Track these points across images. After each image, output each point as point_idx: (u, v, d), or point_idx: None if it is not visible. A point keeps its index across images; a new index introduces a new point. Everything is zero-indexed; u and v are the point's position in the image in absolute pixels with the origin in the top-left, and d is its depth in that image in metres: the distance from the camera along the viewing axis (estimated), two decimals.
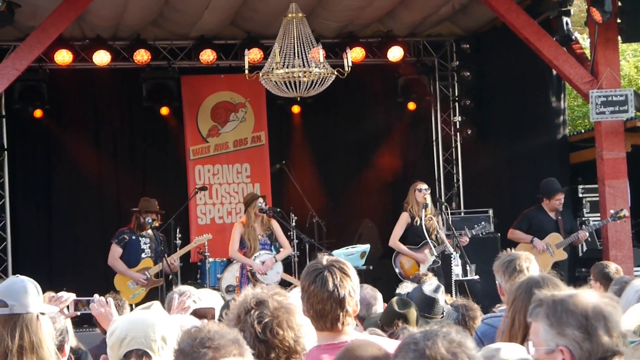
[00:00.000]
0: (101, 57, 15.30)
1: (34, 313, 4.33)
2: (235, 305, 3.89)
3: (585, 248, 14.53)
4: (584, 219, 14.63)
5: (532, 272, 5.61)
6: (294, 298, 4.00)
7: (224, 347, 3.21)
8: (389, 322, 5.92)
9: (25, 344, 4.23)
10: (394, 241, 12.97)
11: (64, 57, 15.14)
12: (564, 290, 3.47)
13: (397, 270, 12.88)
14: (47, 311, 4.46)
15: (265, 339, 3.69)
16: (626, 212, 12.27)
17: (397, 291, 6.98)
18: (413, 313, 5.98)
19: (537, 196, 13.17)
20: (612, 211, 12.31)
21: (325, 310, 4.23)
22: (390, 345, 4.31)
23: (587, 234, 12.50)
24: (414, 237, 12.85)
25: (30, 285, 4.41)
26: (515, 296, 4.45)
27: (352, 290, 4.28)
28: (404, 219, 12.96)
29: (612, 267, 8.28)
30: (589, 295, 3.39)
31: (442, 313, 6.72)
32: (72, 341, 6.42)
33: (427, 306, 6.43)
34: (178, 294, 6.02)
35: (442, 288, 6.95)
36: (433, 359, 2.84)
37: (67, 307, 5.51)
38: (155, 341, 3.53)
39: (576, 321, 3.30)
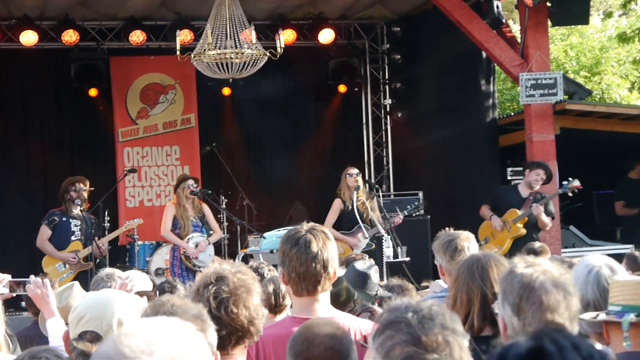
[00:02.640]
0: (28, 37, 15.07)
1: None
2: (198, 278, 3.86)
3: None
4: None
5: (472, 251, 5.63)
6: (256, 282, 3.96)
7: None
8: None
9: None
10: (327, 227, 12.94)
11: None
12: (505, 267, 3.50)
13: None
14: None
15: (218, 315, 3.65)
16: (576, 182, 12.24)
17: None
18: (344, 289, 5.95)
19: (523, 169, 13.03)
20: (564, 182, 12.32)
21: (309, 271, 4.30)
22: (355, 324, 4.35)
23: (541, 208, 12.33)
24: (348, 222, 12.85)
25: None
26: (458, 274, 4.46)
27: (334, 254, 4.40)
28: (336, 206, 12.95)
29: (537, 244, 8.34)
30: (543, 273, 3.43)
31: (376, 291, 6.72)
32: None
33: (361, 282, 6.43)
34: (107, 280, 5.95)
35: (376, 267, 6.96)
36: (429, 347, 2.73)
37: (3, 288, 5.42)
38: (111, 325, 3.49)
39: (512, 298, 3.37)
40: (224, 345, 3.68)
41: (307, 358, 3.52)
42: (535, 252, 7.96)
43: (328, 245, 4.37)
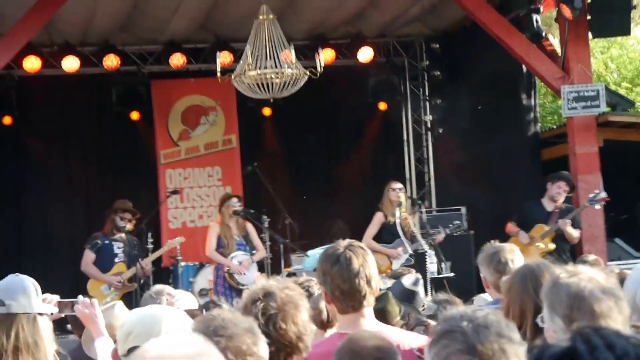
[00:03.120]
0: (70, 63, 15.20)
1: (31, 313, 4.26)
2: (246, 295, 3.86)
3: None
4: None
5: (517, 263, 5.62)
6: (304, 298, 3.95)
7: (237, 335, 3.18)
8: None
9: (21, 345, 4.17)
10: (367, 240, 12.94)
11: (32, 63, 15.02)
12: (573, 273, 3.45)
13: None
14: (45, 311, 4.39)
15: (267, 331, 3.64)
16: (603, 194, 12.20)
17: None
18: (392, 305, 5.93)
19: (545, 183, 12.99)
20: (590, 195, 12.27)
21: (353, 288, 4.30)
22: (404, 337, 4.33)
23: (569, 222, 12.27)
24: (388, 235, 12.87)
25: (29, 284, 4.34)
26: (510, 284, 4.43)
27: (374, 268, 4.40)
28: (377, 219, 12.97)
29: (591, 258, 8.24)
30: (589, 283, 3.39)
31: (423, 306, 6.70)
32: (54, 344, 6.37)
33: (407, 299, 6.41)
34: (156, 297, 5.98)
35: (421, 281, 6.95)
36: (485, 355, 2.69)
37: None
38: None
39: (562, 310, 3.33)
40: None
41: None
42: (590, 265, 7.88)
43: (368, 261, 4.37)
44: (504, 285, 4.68)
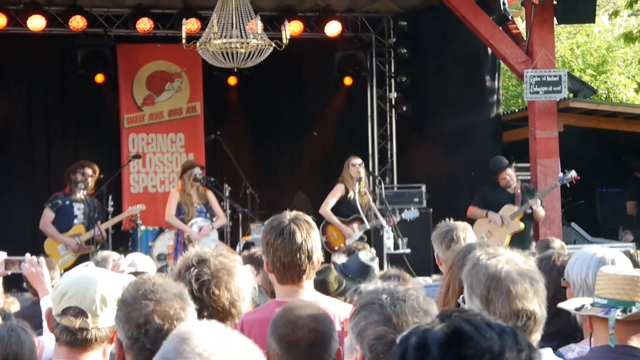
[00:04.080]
0: (36, 22, 15.09)
1: None
2: (180, 261, 3.91)
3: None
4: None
5: (469, 241, 5.70)
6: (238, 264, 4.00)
7: (165, 300, 3.23)
8: None
9: None
10: (325, 209, 13.01)
11: None
12: (495, 255, 3.51)
13: (322, 239, 12.91)
14: None
15: (200, 296, 3.69)
16: (573, 173, 12.31)
17: (333, 260, 7.03)
18: (332, 277, 6.00)
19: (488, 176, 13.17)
20: (560, 174, 12.38)
21: (294, 262, 4.38)
22: (340, 308, 4.39)
23: (539, 201, 12.42)
24: (346, 210, 12.95)
25: None
26: (452, 263, 4.50)
27: (318, 242, 4.48)
28: (338, 190, 13.04)
29: (557, 243, 8.24)
30: (508, 265, 3.44)
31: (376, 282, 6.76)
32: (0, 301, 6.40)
33: (363, 273, 6.49)
34: (101, 263, 6.01)
35: (377, 259, 7.03)
36: (399, 326, 2.82)
37: None
38: (94, 301, 3.51)
39: (479, 290, 3.38)
40: None
41: (291, 341, 3.55)
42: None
43: (312, 235, 4.43)
44: (447, 262, 4.76)
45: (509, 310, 3.32)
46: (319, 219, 12.97)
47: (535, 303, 3.38)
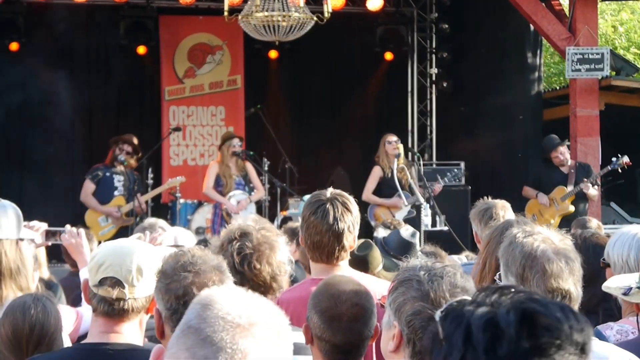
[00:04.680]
0: None
1: (12, 239, 4.32)
2: (222, 233, 3.94)
3: None
4: None
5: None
6: (280, 238, 4.01)
7: (204, 272, 3.26)
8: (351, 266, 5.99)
9: (4, 269, 4.24)
10: (367, 195, 12.94)
11: None
12: (531, 232, 3.52)
13: (372, 223, 12.83)
14: (26, 237, 4.45)
15: (241, 270, 3.73)
16: (626, 158, 12.22)
17: (374, 235, 7.03)
18: (374, 256, 6.01)
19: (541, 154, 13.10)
20: (613, 159, 12.29)
21: (323, 242, 4.35)
22: (376, 285, 4.40)
23: (590, 185, 12.34)
24: (387, 189, 12.88)
25: (11, 210, 4.38)
26: (489, 239, 4.50)
27: (352, 225, 4.40)
28: (376, 173, 12.98)
29: (594, 223, 8.19)
30: (544, 243, 3.45)
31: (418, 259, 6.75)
32: (45, 272, 6.45)
33: (404, 250, 6.49)
34: (148, 229, 6.05)
35: (418, 234, 7.03)
36: (436, 302, 2.84)
37: (39, 236, 5.50)
38: (130, 271, 3.54)
39: (515, 268, 3.40)
40: None
41: (335, 315, 3.56)
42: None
43: (346, 217, 4.37)
44: (484, 238, 4.76)
45: (544, 289, 3.33)
46: (365, 205, 12.92)
47: (571, 282, 3.39)
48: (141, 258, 3.57)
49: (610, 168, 12.33)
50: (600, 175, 12.48)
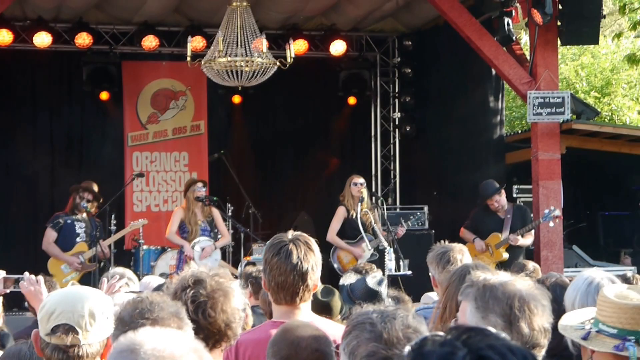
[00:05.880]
0: (42, 39, 15.16)
1: None
2: (175, 280, 3.91)
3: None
4: None
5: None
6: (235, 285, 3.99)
7: (162, 319, 3.24)
8: (313, 311, 5.97)
9: None
10: (332, 236, 12.97)
11: (4, 37, 14.98)
12: (498, 276, 3.53)
13: (335, 266, 12.86)
14: None
15: (196, 318, 3.68)
16: (558, 212, 12.35)
17: (341, 282, 7.00)
18: (337, 302, 6.01)
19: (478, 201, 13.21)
20: (545, 211, 12.40)
21: (287, 282, 4.33)
22: (335, 329, 4.39)
23: (519, 238, 12.48)
24: (351, 230, 12.91)
25: None
26: (449, 283, 4.50)
27: (315, 265, 4.40)
28: (340, 213, 13.00)
29: (530, 266, 8.21)
30: (521, 284, 3.46)
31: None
32: None
33: (370, 298, 6.47)
34: (107, 278, 6.01)
35: (385, 281, 7.01)
36: (389, 342, 2.86)
37: None
38: (83, 316, 3.50)
39: (500, 309, 3.38)
40: None
41: None
42: (528, 275, 7.83)
43: (309, 257, 4.37)
44: (443, 283, 4.76)
45: (531, 328, 3.33)
46: (329, 246, 12.94)
47: (547, 320, 3.43)
48: (92, 302, 3.54)
49: (541, 221, 12.39)
50: (532, 229, 12.55)
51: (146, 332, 2.18)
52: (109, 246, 13.19)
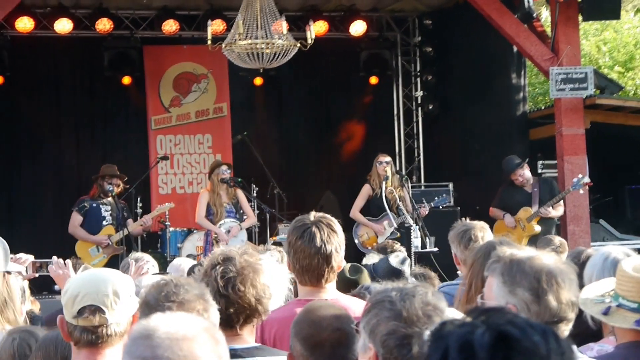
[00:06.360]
0: (63, 25, 15.19)
1: None
2: (206, 260, 3.96)
3: None
4: None
5: (487, 240, 5.69)
6: (264, 260, 4.04)
7: (188, 301, 3.27)
8: (341, 289, 6.00)
9: None
10: (354, 212, 13.12)
11: (25, 24, 15.04)
12: (524, 251, 3.54)
13: (356, 241, 13.03)
14: (12, 270, 4.44)
15: (226, 293, 3.74)
16: (586, 179, 12.29)
17: (364, 262, 7.01)
18: (365, 279, 6.03)
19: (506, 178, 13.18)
20: (574, 180, 12.34)
21: (312, 265, 4.37)
22: (359, 305, 4.41)
23: (550, 210, 12.44)
24: (375, 208, 13.01)
25: None
26: (473, 260, 4.51)
27: (339, 246, 4.43)
28: (365, 191, 13.11)
29: (556, 241, 8.22)
30: (547, 259, 3.48)
31: None
32: (27, 304, 6.46)
33: (394, 278, 6.48)
34: (134, 260, 6.06)
35: (408, 260, 7.02)
36: (409, 321, 2.88)
37: (26, 268, 5.50)
38: (107, 296, 3.52)
39: (528, 283, 3.39)
40: (232, 324, 3.78)
41: (317, 341, 3.56)
42: (555, 250, 7.83)
43: (333, 239, 4.39)
44: (467, 261, 4.77)
45: (562, 301, 3.35)
46: (351, 224, 13.01)
47: (574, 294, 3.44)
48: (114, 281, 3.57)
49: (571, 189, 12.36)
50: (562, 198, 12.52)
51: (158, 317, 2.26)
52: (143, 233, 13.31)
